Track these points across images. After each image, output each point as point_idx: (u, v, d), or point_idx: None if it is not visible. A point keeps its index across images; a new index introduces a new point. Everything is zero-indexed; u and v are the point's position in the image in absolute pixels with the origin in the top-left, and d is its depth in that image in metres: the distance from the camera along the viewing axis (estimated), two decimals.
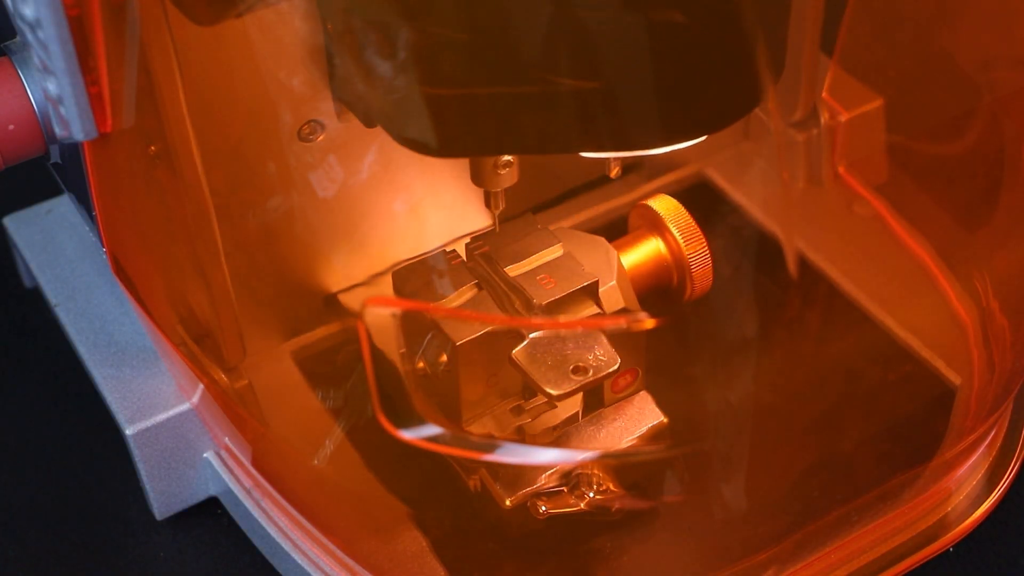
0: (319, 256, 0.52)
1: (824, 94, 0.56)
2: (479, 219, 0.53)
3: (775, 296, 0.51)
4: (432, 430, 0.42)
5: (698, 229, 0.50)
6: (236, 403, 0.52)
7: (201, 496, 0.54)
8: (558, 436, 0.49)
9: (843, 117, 0.56)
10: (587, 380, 0.46)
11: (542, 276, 0.48)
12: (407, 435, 0.42)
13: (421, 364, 0.48)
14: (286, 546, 0.50)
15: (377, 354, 0.50)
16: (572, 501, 0.48)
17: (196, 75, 0.46)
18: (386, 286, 0.53)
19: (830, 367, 0.54)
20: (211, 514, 0.54)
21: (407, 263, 0.49)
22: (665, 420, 0.50)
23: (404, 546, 0.49)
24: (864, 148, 0.57)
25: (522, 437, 0.48)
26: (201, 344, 0.51)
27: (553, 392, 0.45)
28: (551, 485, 0.48)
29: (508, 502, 0.48)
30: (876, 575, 0.49)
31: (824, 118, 0.56)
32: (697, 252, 0.50)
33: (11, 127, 0.45)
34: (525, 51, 0.38)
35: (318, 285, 0.53)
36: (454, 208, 0.55)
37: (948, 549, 0.51)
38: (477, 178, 0.49)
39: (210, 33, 0.45)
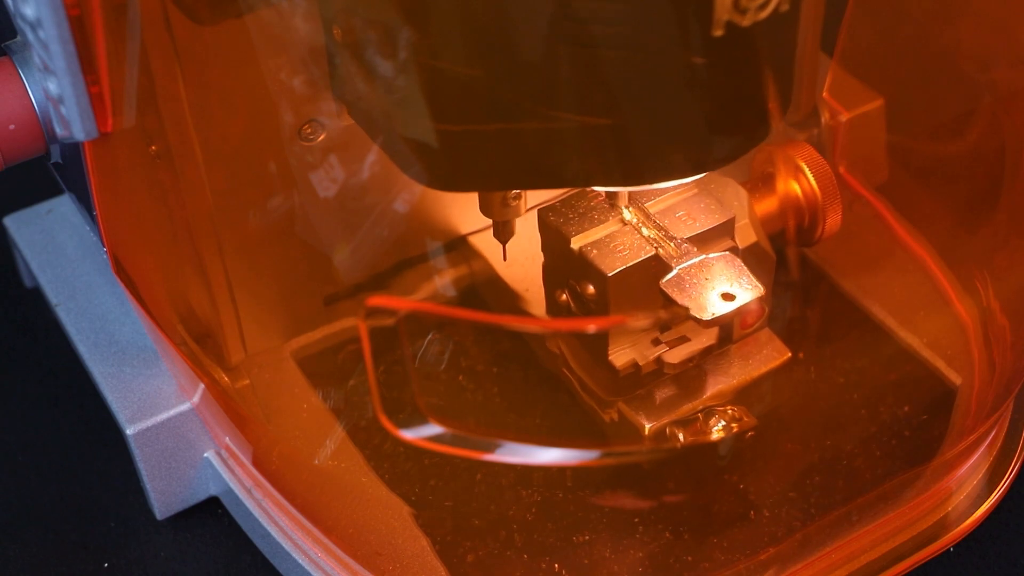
0: (319, 256, 0.52)
1: (824, 94, 0.56)
2: (480, 218, 0.53)
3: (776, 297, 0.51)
4: (434, 429, 0.42)
5: (832, 173, 0.52)
6: (236, 403, 0.52)
7: (201, 496, 0.54)
8: (693, 367, 0.50)
9: (843, 117, 0.56)
10: (736, 305, 0.47)
11: (681, 213, 0.49)
12: (407, 435, 0.42)
13: (564, 297, 0.50)
14: (286, 546, 0.50)
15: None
16: (707, 430, 0.49)
17: (196, 75, 0.46)
18: (386, 286, 0.53)
19: (830, 367, 0.54)
20: (211, 514, 0.54)
21: (548, 203, 0.50)
22: (790, 354, 0.51)
23: (404, 546, 0.49)
24: (864, 148, 0.57)
25: (661, 367, 0.49)
26: (202, 344, 0.51)
27: (705, 317, 0.46)
28: (687, 415, 0.49)
29: (647, 429, 0.49)
30: (876, 575, 0.49)
31: (824, 118, 0.56)
32: (831, 195, 0.52)
33: (11, 127, 0.45)
34: (536, 88, 0.39)
35: (318, 285, 0.53)
36: (454, 207, 0.55)
37: (948, 549, 0.51)
38: (486, 209, 0.49)
39: (210, 33, 0.45)
